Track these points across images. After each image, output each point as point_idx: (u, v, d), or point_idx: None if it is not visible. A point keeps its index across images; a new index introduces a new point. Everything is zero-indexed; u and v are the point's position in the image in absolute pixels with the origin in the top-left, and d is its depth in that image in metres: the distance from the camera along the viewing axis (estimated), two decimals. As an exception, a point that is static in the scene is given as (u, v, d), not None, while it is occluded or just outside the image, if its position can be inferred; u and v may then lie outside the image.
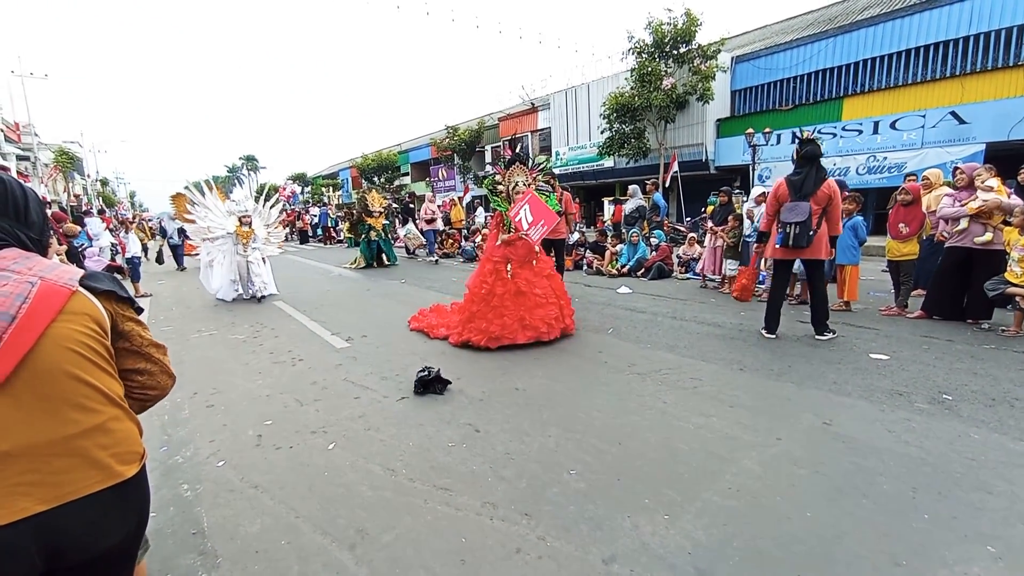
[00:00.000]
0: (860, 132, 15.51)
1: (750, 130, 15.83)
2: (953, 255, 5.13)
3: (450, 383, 3.69)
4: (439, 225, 13.02)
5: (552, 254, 7.02)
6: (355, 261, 11.78)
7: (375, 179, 38.77)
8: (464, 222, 17.23)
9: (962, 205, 5.00)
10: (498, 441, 2.84)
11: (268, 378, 4.12)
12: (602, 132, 19.70)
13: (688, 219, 16.27)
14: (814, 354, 4.27)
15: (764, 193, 6.74)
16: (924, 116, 14.25)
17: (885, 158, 14.74)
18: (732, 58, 19.17)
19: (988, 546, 1.88)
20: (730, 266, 7.29)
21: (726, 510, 2.15)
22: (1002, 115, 12.96)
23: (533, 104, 27.22)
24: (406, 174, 38.04)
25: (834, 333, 4.75)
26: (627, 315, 6.02)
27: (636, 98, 17.60)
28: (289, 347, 5.04)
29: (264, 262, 7.84)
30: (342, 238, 19.74)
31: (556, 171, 26.32)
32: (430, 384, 3.60)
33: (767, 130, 15.66)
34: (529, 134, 27.47)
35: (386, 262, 11.89)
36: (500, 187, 5.01)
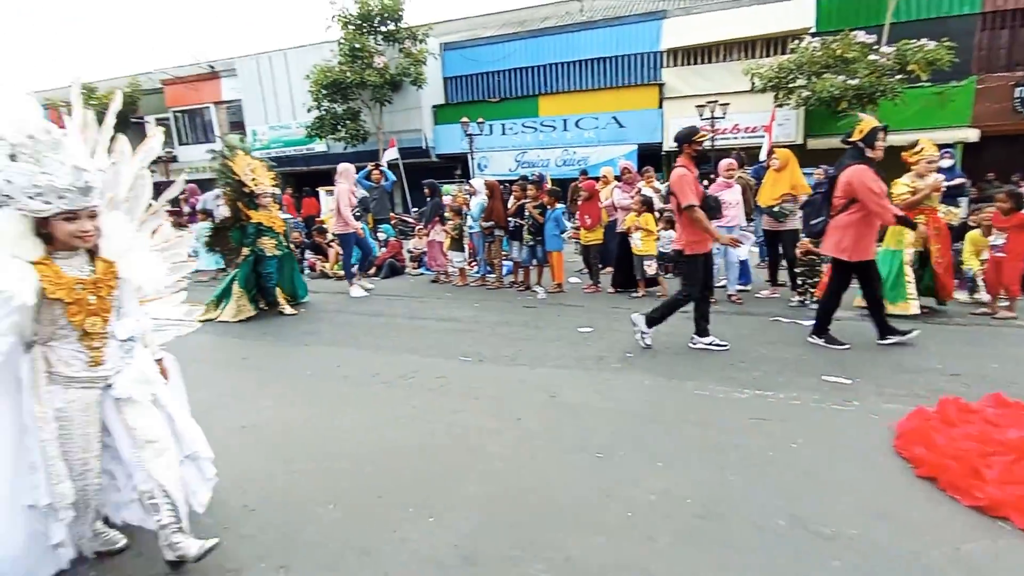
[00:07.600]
0: (554, 128, 19.22)
1: (465, 119, 17.76)
2: (621, 238, 7.00)
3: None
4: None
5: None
6: (222, 305, 6.28)
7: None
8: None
9: (631, 198, 6.90)
10: (227, 497, 2.61)
11: None
12: (309, 111, 18.94)
13: (415, 209, 17.22)
14: (538, 335, 5.27)
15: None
16: (597, 118, 18.67)
17: (575, 152, 18.67)
18: (441, 44, 20.99)
19: (658, 462, 2.80)
20: (456, 259, 8.13)
21: (482, 496, 2.55)
22: (645, 123, 18.18)
23: (212, 67, 24.02)
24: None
25: None
26: (364, 321, 6.14)
27: (348, 74, 17.52)
28: None
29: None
30: None
31: (256, 154, 23.58)
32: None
33: (480, 120, 17.83)
34: (212, 106, 24.15)
35: (281, 305, 6.55)
36: None
